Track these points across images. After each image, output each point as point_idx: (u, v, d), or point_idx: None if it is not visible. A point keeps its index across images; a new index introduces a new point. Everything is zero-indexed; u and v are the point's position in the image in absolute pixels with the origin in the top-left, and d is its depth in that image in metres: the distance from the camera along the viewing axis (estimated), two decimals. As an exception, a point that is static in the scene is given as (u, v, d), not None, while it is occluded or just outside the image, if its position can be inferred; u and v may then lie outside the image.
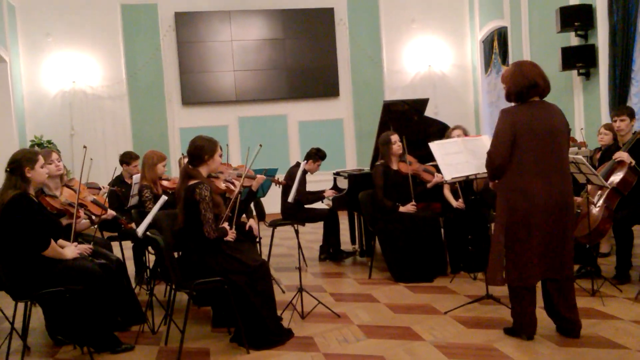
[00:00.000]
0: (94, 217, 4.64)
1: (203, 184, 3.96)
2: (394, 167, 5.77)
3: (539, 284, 3.75)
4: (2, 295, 3.97)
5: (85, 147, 4.63)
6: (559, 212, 3.60)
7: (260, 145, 4.58)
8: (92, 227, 4.95)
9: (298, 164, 6.39)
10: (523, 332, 3.74)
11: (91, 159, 5.26)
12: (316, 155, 6.53)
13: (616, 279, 4.87)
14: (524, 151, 3.58)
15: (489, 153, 3.73)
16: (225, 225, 4.13)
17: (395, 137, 5.73)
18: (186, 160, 5.71)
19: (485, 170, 4.43)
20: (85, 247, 4.25)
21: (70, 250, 3.97)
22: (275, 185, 5.81)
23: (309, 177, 6.63)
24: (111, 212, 4.85)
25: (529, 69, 3.69)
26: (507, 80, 3.73)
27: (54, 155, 4.57)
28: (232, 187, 4.42)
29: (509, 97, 3.76)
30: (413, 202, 5.58)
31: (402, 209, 5.57)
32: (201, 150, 4.08)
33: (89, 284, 3.84)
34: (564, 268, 3.68)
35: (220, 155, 4.27)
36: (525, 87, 3.64)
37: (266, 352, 3.87)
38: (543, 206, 3.56)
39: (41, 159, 3.89)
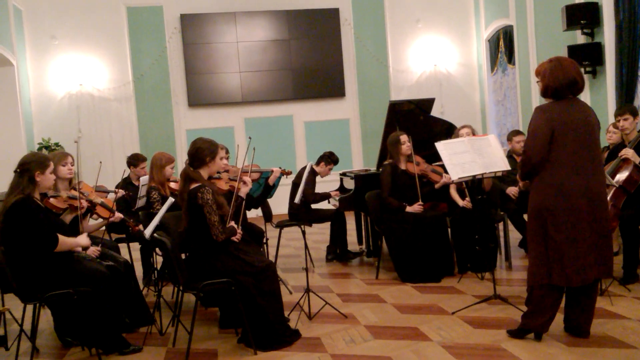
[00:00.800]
0: (101, 219, 4.66)
1: (204, 187, 3.95)
2: (402, 167, 5.77)
3: None
4: (11, 297, 4.00)
5: (100, 162, 4.67)
6: (596, 208, 3.54)
7: (250, 138, 4.60)
8: (102, 228, 4.96)
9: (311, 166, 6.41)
10: (535, 331, 3.70)
11: (100, 162, 5.29)
12: (329, 159, 6.55)
13: (624, 278, 4.85)
14: (560, 148, 3.53)
15: (525, 151, 3.67)
16: (232, 224, 4.13)
17: (404, 138, 5.73)
18: None
19: (492, 170, 4.41)
20: (93, 250, 4.27)
21: (83, 238, 4.00)
22: (285, 176, 5.84)
23: (317, 179, 6.64)
24: (119, 215, 4.87)
25: (569, 66, 3.61)
26: (546, 75, 3.64)
27: (69, 159, 4.58)
28: (235, 185, 4.43)
29: (546, 93, 3.67)
30: (420, 202, 5.58)
31: (408, 208, 5.57)
32: (202, 152, 4.07)
33: (97, 286, 3.86)
34: (609, 267, 3.64)
35: (227, 157, 4.27)
36: (565, 84, 3.58)
37: (273, 353, 3.88)
38: (581, 202, 3.51)
39: (52, 165, 3.91)
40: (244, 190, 4.38)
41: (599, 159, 3.68)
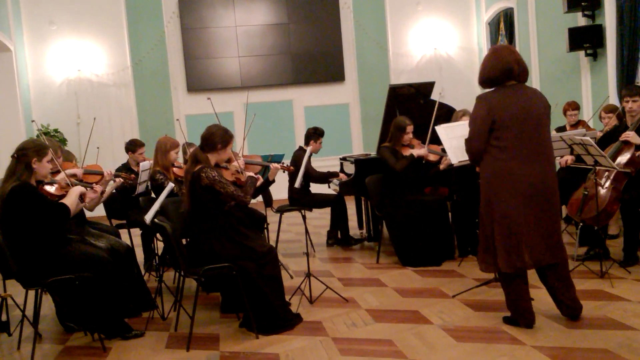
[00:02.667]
0: (94, 186, 4.54)
1: (205, 167, 3.97)
2: (401, 151, 5.75)
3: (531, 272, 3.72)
4: (12, 283, 4.01)
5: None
6: (543, 194, 3.54)
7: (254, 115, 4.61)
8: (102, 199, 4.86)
9: (301, 149, 6.39)
10: (521, 320, 3.69)
11: (98, 148, 5.26)
12: (315, 134, 6.49)
13: (624, 260, 4.86)
14: (503, 135, 3.52)
15: (467, 140, 3.69)
16: (247, 174, 4.27)
17: (410, 128, 5.70)
18: (191, 150, 5.74)
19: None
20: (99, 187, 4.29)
21: (75, 189, 3.98)
22: (283, 171, 5.82)
23: (315, 160, 6.62)
24: (109, 172, 4.84)
25: (505, 54, 3.63)
26: (482, 65, 3.71)
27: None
28: (242, 178, 4.42)
29: (482, 83, 3.73)
30: (419, 143, 5.68)
31: (415, 152, 5.57)
32: (215, 138, 4.09)
33: (98, 271, 3.86)
34: (561, 251, 3.64)
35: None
36: (499, 72, 3.60)
37: (275, 337, 3.90)
38: (527, 189, 3.50)
39: (49, 154, 3.90)
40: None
41: (546, 145, 3.62)
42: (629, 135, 4.80)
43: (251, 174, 4.36)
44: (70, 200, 3.86)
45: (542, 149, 3.58)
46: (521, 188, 3.51)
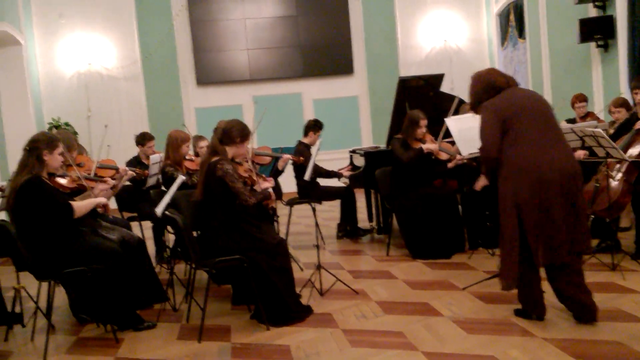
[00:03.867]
0: (110, 181, 4.56)
1: (223, 159, 4.00)
2: (412, 145, 5.74)
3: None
4: (26, 275, 4.05)
5: (106, 125, 4.65)
6: (567, 181, 3.44)
7: (263, 105, 4.62)
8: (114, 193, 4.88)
9: (300, 142, 6.40)
10: (533, 312, 3.67)
11: (108, 146, 5.26)
12: (315, 127, 6.49)
13: (636, 253, 4.83)
14: (517, 131, 3.48)
15: (482, 149, 3.61)
16: (265, 184, 4.27)
17: (424, 122, 5.68)
18: (200, 143, 5.75)
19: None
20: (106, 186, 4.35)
21: (95, 198, 4.05)
22: (292, 163, 5.84)
23: (323, 156, 6.63)
24: (123, 168, 4.86)
25: (484, 74, 3.73)
26: (470, 92, 3.76)
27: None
28: (254, 177, 4.44)
29: (474, 106, 3.75)
30: (432, 139, 5.70)
31: (425, 147, 5.56)
32: (235, 132, 4.12)
33: (110, 263, 3.89)
34: (587, 240, 3.55)
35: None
36: (486, 90, 3.64)
37: (286, 329, 3.92)
38: (550, 178, 3.40)
39: (60, 147, 3.92)
40: (265, 185, 4.40)
41: (559, 133, 3.58)
42: None
43: (269, 188, 4.34)
44: (85, 205, 3.90)
45: (557, 137, 3.54)
46: (546, 177, 3.40)
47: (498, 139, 3.52)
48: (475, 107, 3.77)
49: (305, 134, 6.47)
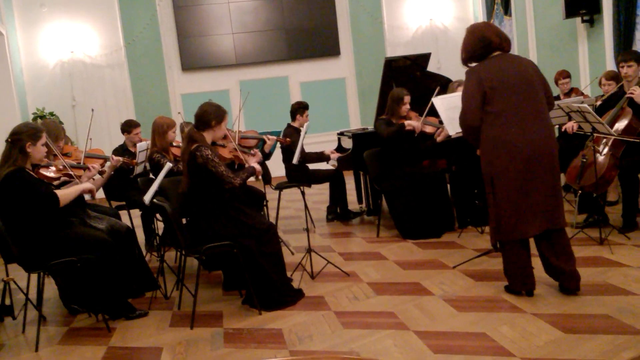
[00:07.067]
0: (94, 168, 4.50)
1: (201, 145, 3.95)
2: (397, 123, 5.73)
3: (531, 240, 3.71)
4: (14, 267, 4.02)
5: (92, 110, 4.59)
6: (542, 159, 3.49)
7: (249, 92, 4.57)
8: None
9: (289, 126, 6.38)
10: (522, 288, 3.70)
11: (90, 139, 5.16)
12: (300, 108, 6.44)
13: (623, 227, 4.87)
14: (498, 103, 3.50)
15: (461, 115, 3.65)
16: (250, 161, 4.23)
17: (407, 99, 5.68)
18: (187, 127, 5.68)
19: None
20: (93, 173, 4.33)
21: (80, 185, 4.00)
22: (281, 145, 5.81)
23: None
24: (117, 159, 4.82)
25: (481, 29, 3.66)
26: (462, 45, 3.71)
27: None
28: (240, 155, 4.40)
29: (465, 61, 3.74)
30: (417, 116, 5.69)
31: (407, 123, 5.55)
32: (208, 115, 4.07)
33: (100, 253, 3.87)
34: (561, 217, 3.61)
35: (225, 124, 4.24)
36: (479, 45, 3.60)
37: (278, 313, 3.93)
38: (525, 154, 3.46)
39: (44, 137, 3.88)
40: (252, 161, 4.36)
41: (542, 109, 3.58)
42: (635, 92, 4.76)
43: (256, 164, 4.28)
44: (70, 192, 3.86)
45: (538, 113, 3.54)
46: (520, 152, 3.47)
47: (477, 109, 3.55)
48: (465, 62, 3.74)
49: (293, 118, 6.43)
